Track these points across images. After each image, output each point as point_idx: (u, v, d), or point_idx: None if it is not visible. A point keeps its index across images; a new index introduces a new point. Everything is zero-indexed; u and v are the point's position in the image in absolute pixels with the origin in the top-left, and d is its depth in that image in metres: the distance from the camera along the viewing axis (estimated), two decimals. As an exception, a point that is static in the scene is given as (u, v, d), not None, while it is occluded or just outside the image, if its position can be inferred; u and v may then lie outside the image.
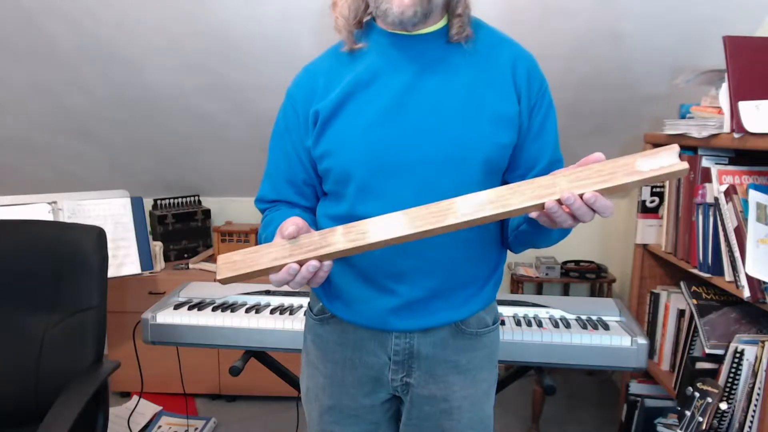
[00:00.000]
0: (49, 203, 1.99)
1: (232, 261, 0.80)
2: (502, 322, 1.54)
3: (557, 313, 1.62)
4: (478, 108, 0.93)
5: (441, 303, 1.00)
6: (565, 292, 2.89)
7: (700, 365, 1.58)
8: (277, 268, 0.80)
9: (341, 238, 0.79)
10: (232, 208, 2.94)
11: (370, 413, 1.08)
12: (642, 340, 1.45)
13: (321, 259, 0.80)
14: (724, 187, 1.47)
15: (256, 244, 0.86)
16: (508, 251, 1.09)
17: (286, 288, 0.92)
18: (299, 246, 0.79)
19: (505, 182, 1.00)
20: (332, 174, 0.97)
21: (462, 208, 0.76)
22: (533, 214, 0.79)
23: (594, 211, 0.75)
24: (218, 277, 0.80)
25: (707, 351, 1.59)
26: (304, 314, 1.50)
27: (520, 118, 0.95)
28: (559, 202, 0.74)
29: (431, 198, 0.80)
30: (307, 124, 0.99)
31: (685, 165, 0.70)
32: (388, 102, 0.93)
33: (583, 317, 1.59)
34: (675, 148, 0.71)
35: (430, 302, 1.00)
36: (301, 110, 1.00)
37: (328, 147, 0.96)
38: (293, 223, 0.81)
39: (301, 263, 0.80)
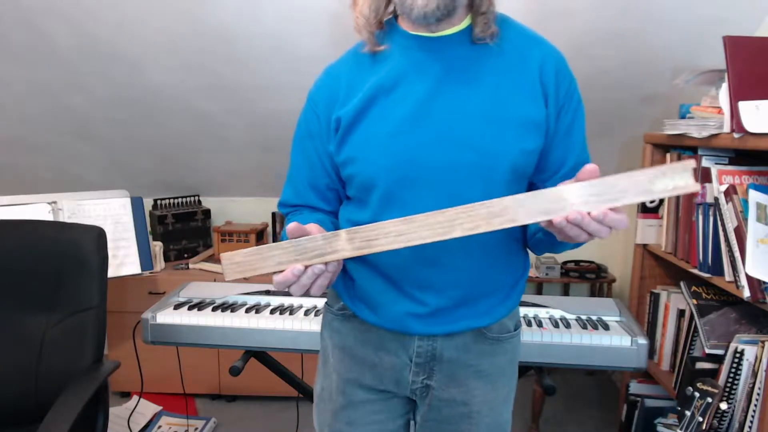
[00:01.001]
0: (49, 203, 1.99)
1: (235, 262, 0.79)
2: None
3: (557, 313, 1.62)
4: (504, 113, 0.90)
5: (466, 311, 0.99)
6: (565, 292, 2.89)
7: (700, 365, 1.58)
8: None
9: (346, 245, 0.77)
10: (232, 208, 2.94)
11: (385, 414, 1.07)
12: (642, 340, 1.45)
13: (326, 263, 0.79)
14: (724, 187, 1.47)
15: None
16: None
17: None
18: (304, 251, 0.78)
19: (531, 185, 0.99)
20: (355, 181, 0.96)
21: (467, 222, 0.74)
22: (543, 223, 0.77)
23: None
24: (227, 279, 0.80)
25: (707, 351, 1.59)
26: (312, 314, 1.45)
27: (547, 121, 0.92)
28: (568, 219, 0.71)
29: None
30: (329, 130, 0.96)
31: (697, 186, 0.70)
32: (411, 108, 0.91)
33: (583, 317, 1.59)
34: (689, 166, 0.69)
35: (455, 310, 0.98)
36: (323, 115, 0.97)
37: (351, 154, 0.94)
38: (297, 225, 0.80)
39: (306, 266, 0.78)
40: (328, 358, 1.10)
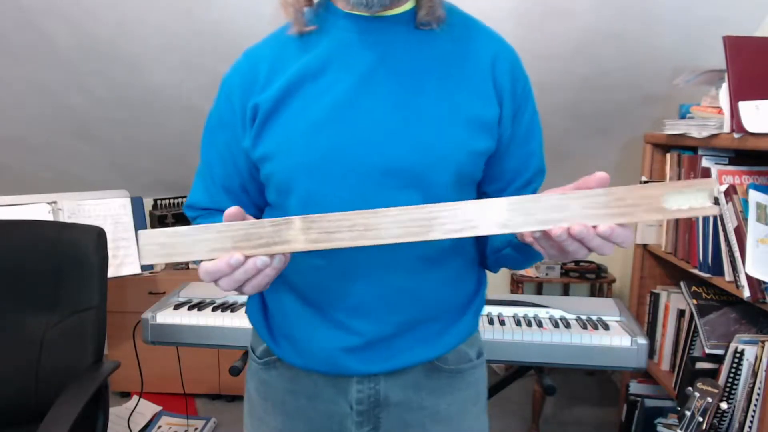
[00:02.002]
0: (49, 203, 1.99)
1: (158, 243, 0.64)
2: (502, 323, 1.54)
3: (557, 313, 1.62)
4: (450, 108, 0.78)
5: (411, 339, 0.83)
6: (565, 292, 2.89)
7: (700, 365, 1.58)
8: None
9: (300, 235, 0.63)
10: (232, 208, 2.93)
11: None
12: (642, 340, 1.45)
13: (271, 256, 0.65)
14: (724, 187, 1.47)
15: None
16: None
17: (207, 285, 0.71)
18: (246, 237, 0.63)
19: (482, 194, 0.87)
20: (273, 182, 0.81)
21: (450, 222, 0.63)
22: (536, 234, 0.66)
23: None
24: (143, 262, 0.65)
25: (707, 351, 1.59)
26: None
27: (501, 123, 0.81)
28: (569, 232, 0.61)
29: None
30: (245, 120, 0.82)
31: (716, 210, 0.61)
32: (340, 96, 0.77)
33: (583, 317, 1.59)
34: (708, 186, 0.60)
35: (397, 339, 0.83)
36: (237, 102, 0.83)
37: (268, 149, 0.80)
38: (239, 209, 0.65)
39: (247, 257, 0.63)
40: (256, 411, 0.94)
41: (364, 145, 0.76)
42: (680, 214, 0.61)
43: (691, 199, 0.60)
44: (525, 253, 0.79)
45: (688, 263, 1.69)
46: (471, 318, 0.89)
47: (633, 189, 0.61)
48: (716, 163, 1.59)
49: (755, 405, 1.40)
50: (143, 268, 2.11)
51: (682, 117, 1.77)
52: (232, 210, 0.64)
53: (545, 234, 0.62)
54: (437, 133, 0.77)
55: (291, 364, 0.87)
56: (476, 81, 0.80)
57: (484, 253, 0.90)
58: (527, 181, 0.86)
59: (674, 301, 1.87)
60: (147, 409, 2.46)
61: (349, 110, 0.77)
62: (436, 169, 0.77)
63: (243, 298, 1.71)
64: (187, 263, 2.61)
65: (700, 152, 1.64)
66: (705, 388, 1.44)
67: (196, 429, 2.34)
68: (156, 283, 2.48)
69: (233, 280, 0.64)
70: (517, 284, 2.60)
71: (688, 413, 1.42)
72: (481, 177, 0.84)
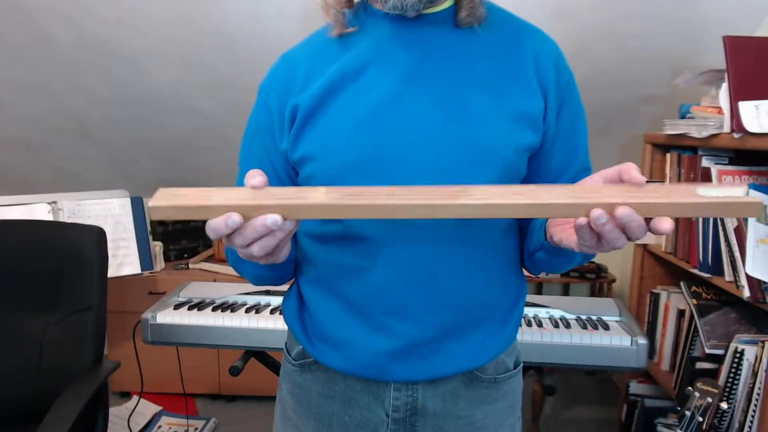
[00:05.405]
0: (49, 203, 1.99)
1: (173, 194, 0.61)
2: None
3: (557, 313, 1.62)
4: (495, 104, 0.77)
5: (453, 345, 0.82)
6: (565, 292, 2.89)
7: (700, 365, 1.58)
8: (224, 209, 0.59)
9: (321, 196, 0.61)
10: (232, 208, 2.93)
11: None
12: (642, 340, 1.45)
13: (288, 214, 0.61)
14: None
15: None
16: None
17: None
18: (267, 193, 0.61)
19: None
20: (314, 183, 0.80)
21: (480, 193, 0.60)
22: (568, 243, 0.63)
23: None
24: (153, 217, 0.61)
25: (707, 351, 1.59)
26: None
27: (546, 118, 0.79)
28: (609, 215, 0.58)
29: None
30: (283, 124, 0.82)
31: (757, 200, 0.57)
32: (383, 95, 0.77)
33: (583, 317, 1.59)
34: (744, 186, 0.61)
35: (439, 344, 0.81)
36: (275, 106, 0.82)
37: (310, 150, 0.79)
38: (261, 171, 0.62)
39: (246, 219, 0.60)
40: (288, 415, 0.92)
41: (408, 143, 0.76)
42: (716, 200, 0.59)
43: (726, 191, 0.59)
44: (558, 255, 0.78)
45: (688, 263, 1.69)
46: (513, 325, 0.89)
47: (665, 185, 0.60)
48: (716, 163, 1.59)
49: (755, 405, 1.40)
50: (143, 268, 2.11)
51: (682, 117, 1.77)
52: (254, 170, 0.62)
53: (587, 223, 0.59)
54: (483, 129, 0.76)
55: (328, 367, 0.86)
56: (520, 76, 0.79)
57: (523, 256, 0.89)
58: (572, 178, 0.84)
59: (674, 301, 1.87)
60: (147, 409, 2.46)
61: (392, 109, 0.77)
62: (482, 165, 0.76)
63: (242, 299, 1.71)
64: (187, 263, 2.61)
65: (700, 152, 1.64)
66: (705, 388, 1.44)
67: (196, 429, 2.34)
68: (156, 283, 2.48)
69: (242, 236, 0.60)
70: (517, 284, 2.60)
71: (688, 413, 1.42)
72: (525, 173, 0.83)
